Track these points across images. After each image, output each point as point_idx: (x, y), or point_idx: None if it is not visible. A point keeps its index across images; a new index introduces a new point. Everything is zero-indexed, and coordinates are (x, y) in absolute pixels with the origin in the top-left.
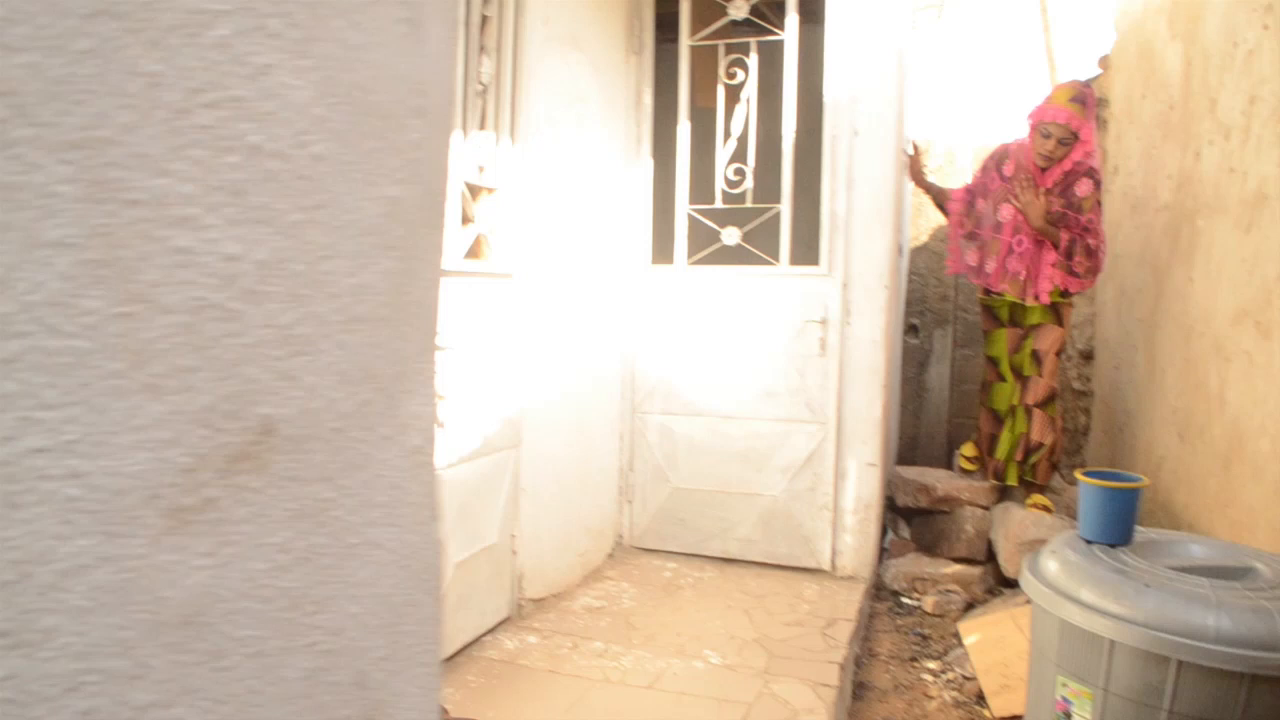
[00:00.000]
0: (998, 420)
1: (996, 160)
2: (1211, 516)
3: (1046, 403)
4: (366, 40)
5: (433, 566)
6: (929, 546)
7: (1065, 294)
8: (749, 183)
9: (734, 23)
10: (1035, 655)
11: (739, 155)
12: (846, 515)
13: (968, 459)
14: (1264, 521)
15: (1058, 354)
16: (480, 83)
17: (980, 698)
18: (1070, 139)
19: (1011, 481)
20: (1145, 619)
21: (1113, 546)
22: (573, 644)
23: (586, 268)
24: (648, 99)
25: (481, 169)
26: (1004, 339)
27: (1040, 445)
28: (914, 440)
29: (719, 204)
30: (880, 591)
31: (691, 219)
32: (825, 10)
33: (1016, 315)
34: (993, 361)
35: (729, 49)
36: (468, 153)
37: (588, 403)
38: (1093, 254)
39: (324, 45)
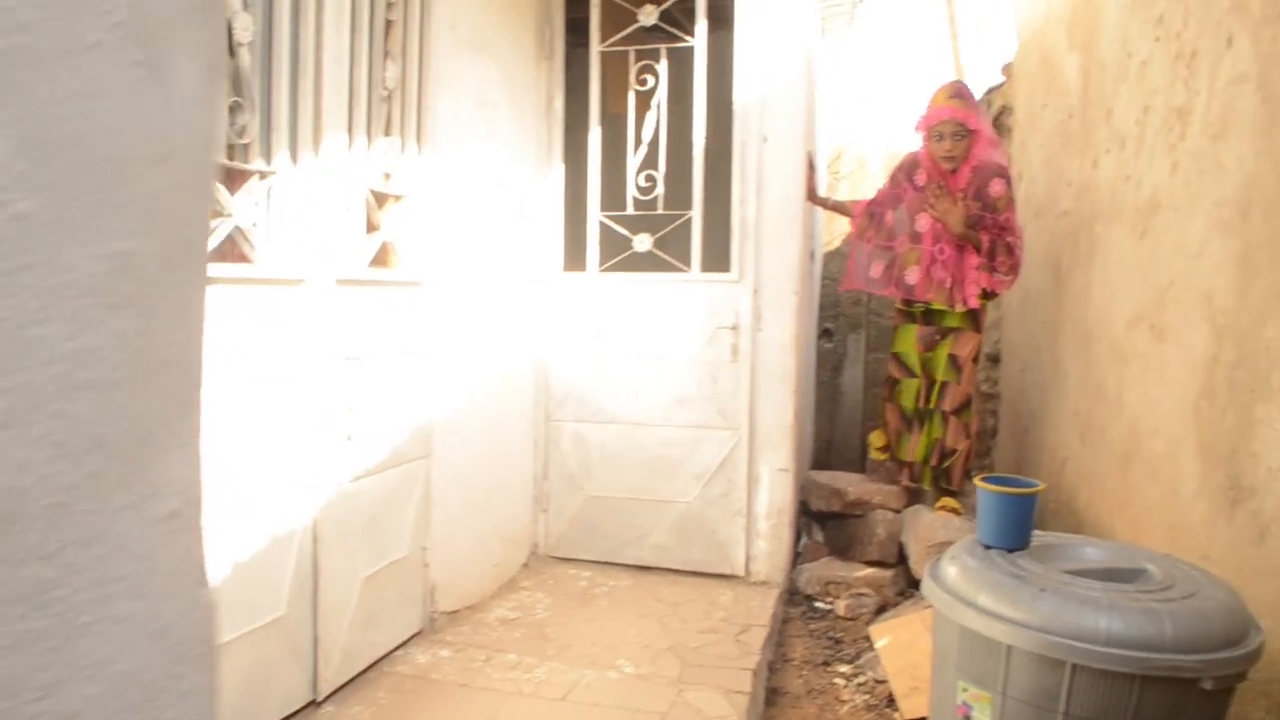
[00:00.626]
0: (904, 418)
1: (907, 171)
2: (1112, 516)
3: (962, 409)
4: (85, 88)
5: (198, 636)
6: (842, 550)
7: (989, 295)
8: (660, 189)
9: (644, 29)
10: (937, 660)
11: (650, 162)
12: (760, 521)
13: (879, 449)
14: (1160, 521)
15: (974, 360)
16: (385, 88)
17: (891, 700)
18: (963, 131)
19: (926, 485)
20: (1040, 623)
21: (1010, 551)
22: (486, 657)
23: (498, 275)
24: (559, 105)
25: (387, 176)
26: (913, 335)
27: (954, 451)
28: (829, 443)
29: (630, 210)
30: (794, 596)
31: (603, 225)
32: (734, 17)
33: (931, 315)
34: (898, 358)
35: (639, 55)
36: (373, 159)
37: (500, 411)
38: (1013, 252)
39: (24, 96)
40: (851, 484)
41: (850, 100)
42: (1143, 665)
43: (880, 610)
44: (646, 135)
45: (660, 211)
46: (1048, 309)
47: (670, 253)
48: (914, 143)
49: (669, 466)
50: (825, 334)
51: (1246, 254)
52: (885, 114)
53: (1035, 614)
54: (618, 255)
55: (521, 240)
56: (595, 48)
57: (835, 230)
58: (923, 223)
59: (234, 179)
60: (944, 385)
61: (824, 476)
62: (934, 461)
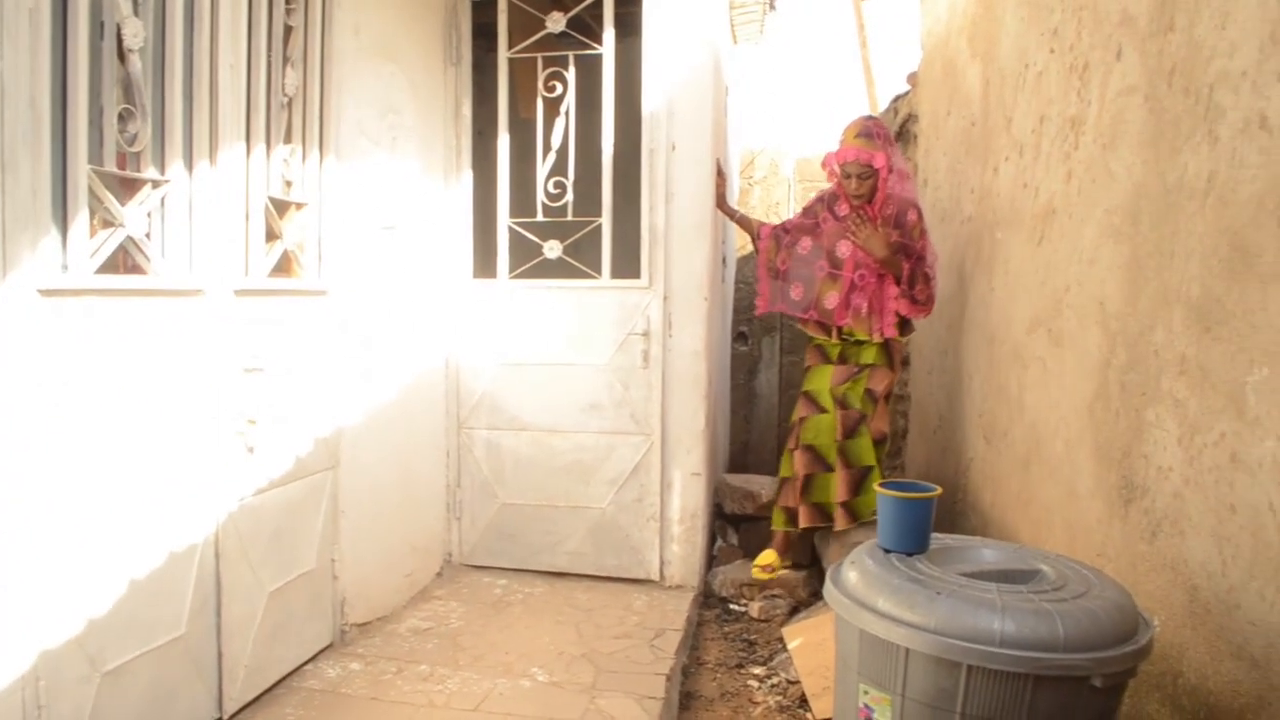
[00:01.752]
0: (817, 458)
1: (826, 202)
2: (1015, 516)
3: (880, 444)
4: None
5: None
6: (756, 552)
7: (907, 327)
8: (570, 196)
9: (552, 35)
10: (839, 663)
11: (559, 168)
12: (673, 525)
13: (761, 567)
14: (1059, 520)
15: (887, 399)
16: (285, 95)
17: (803, 701)
18: (868, 172)
19: (840, 525)
20: (936, 626)
21: (910, 555)
22: (397, 668)
23: (407, 283)
24: (467, 111)
25: (289, 184)
26: (828, 375)
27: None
28: (745, 445)
29: (540, 217)
30: (709, 599)
31: (513, 232)
32: (642, 25)
33: (848, 353)
34: (809, 396)
35: (548, 62)
36: (273, 167)
37: (410, 420)
38: (929, 282)
39: None
40: (764, 486)
41: (763, 107)
42: (1035, 665)
43: (794, 611)
44: (556, 142)
45: (570, 218)
46: (953, 313)
47: (581, 260)
48: (827, 146)
49: (583, 473)
50: (740, 338)
51: (1136, 260)
52: (798, 120)
53: (931, 617)
54: (528, 262)
55: (430, 247)
56: (504, 54)
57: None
58: (844, 249)
59: (125, 188)
60: (863, 416)
61: (738, 479)
62: (847, 496)
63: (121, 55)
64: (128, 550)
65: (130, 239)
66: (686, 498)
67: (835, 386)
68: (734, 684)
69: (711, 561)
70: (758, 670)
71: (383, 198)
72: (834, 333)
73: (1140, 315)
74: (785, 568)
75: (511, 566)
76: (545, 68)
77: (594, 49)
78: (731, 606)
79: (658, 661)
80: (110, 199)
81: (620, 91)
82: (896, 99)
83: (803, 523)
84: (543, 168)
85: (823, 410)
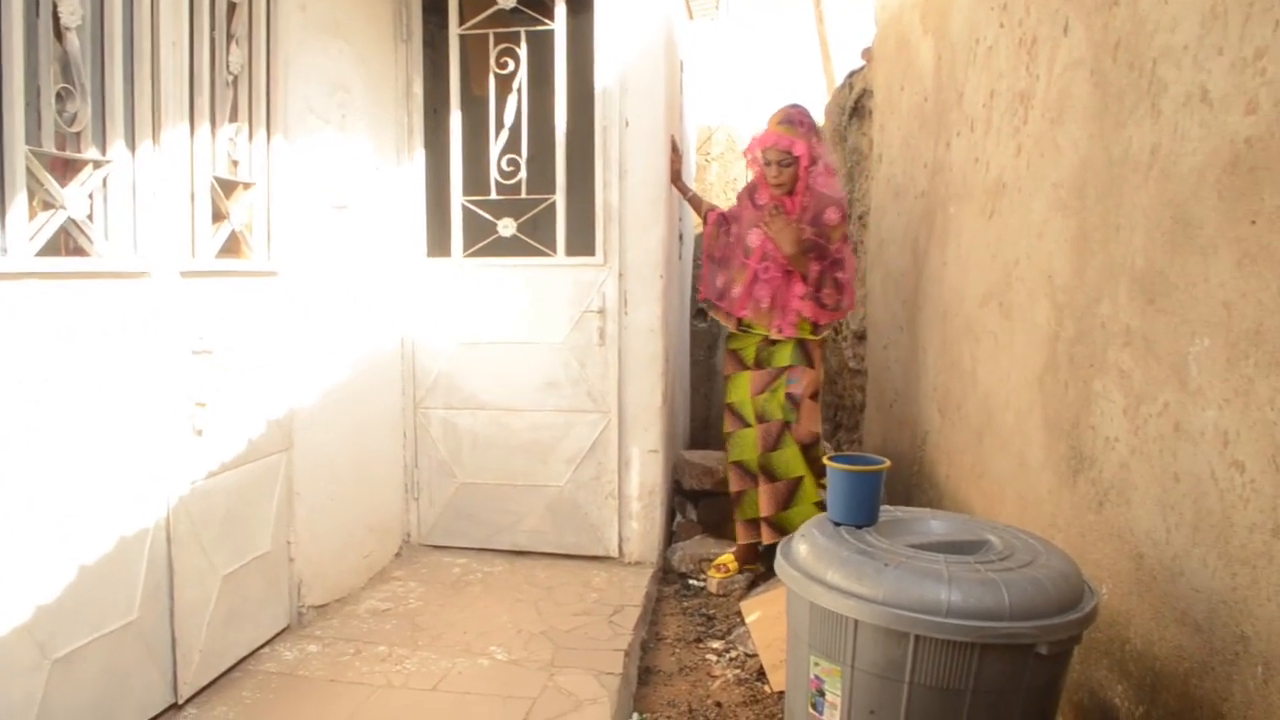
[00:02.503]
0: (746, 474)
1: (749, 190)
2: (969, 487)
3: (811, 446)
4: None
5: None
6: (715, 528)
7: (815, 329)
8: (523, 173)
9: (504, 11)
10: (791, 636)
11: (512, 146)
12: (632, 502)
13: (716, 566)
14: (1011, 491)
15: (813, 397)
16: (230, 72)
17: (761, 674)
18: (788, 159)
19: (765, 539)
20: (885, 597)
21: (859, 527)
22: (355, 650)
23: (360, 262)
24: (418, 88)
25: (235, 163)
26: (747, 382)
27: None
28: (705, 421)
29: (494, 195)
30: (668, 575)
31: (467, 210)
32: (594, 1)
33: (763, 357)
34: (733, 409)
35: (499, 38)
36: (218, 147)
37: (366, 400)
38: (841, 288)
39: None
40: (722, 462)
41: (720, 83)
42: (981, 634)
43: (752, 586)
44: (509, 119)
45: (524, 196)
46: (908, 287)
47: (535, 237)
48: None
49: (541, 451)
50: (699, 314)
51: (1082, 234)
52: (755, 96)
53: (880, 588)
54: (482, 240)
55: (383, 226)
56: (454, 30)
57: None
58: (754, 239)
59: (65, 169)
60: (786, 425)
61: (696, 455)
62: (770, 511)
63: (59, 33)
64: (76, 536)
65: (72, 221)
66: (645, 475)
67: (755, 397)
68: (692, 658)
69: (671, 537)
70: (716, 644)
71: (333, 176)
72: (735, 323)
73: (1087, 288)
74: (741, 572)
75: (471, 546)
76: (497, 44)
77: (546, 24)
78: (690, 582)
79: (616, 638)
80: (50, 180)
81: (573, 68)
82: (851, 74)
83: (739, 539)
84: (496, 145)
85: (747, 424)
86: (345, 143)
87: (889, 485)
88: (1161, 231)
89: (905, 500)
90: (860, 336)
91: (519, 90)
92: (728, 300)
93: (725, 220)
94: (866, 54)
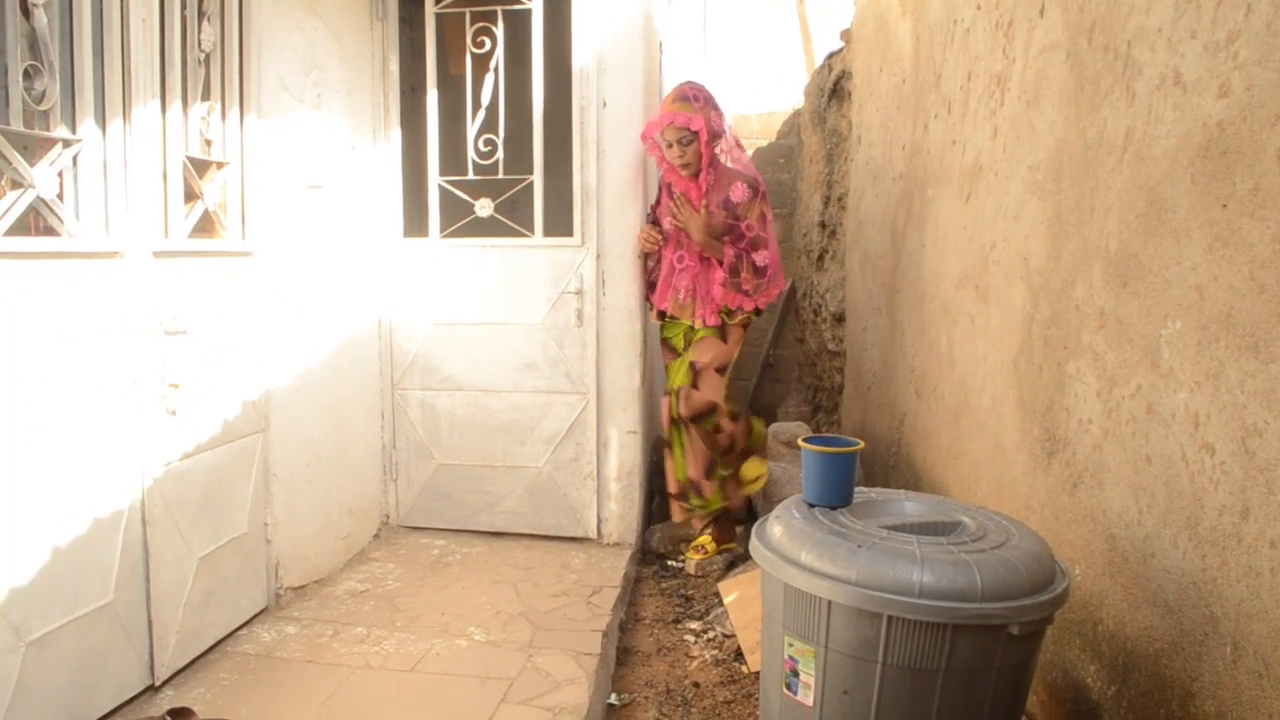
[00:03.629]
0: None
1: (666, 183)
2: (945, 469)
3: (703, 416)
4: None
5: None
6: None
7: (731, 313)
8: (500, 154)
9: None
10: (765, 617)
11: (489, 126)
12: (610, 483)
13: (696, 547)
14: (987, 473)
15: (720, 370)
16: (201, 50)
17: (739, 654)
18: (688, 136)
19: (708, 504)
20: (858, 578)
21: (834, 509)
22: (333, 631)
23: (336, 242)
24: (394, 67)
25: (209, 142)
26: (682, 369)
27: (701, 479)
28: None
29: (471, 175)
30: (646, 556)
31: (443, 190)
32: None
33: (691, 341)
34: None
35: (475, 17)
36: (191, 125)
37: (343, 381)
38: (761, 271)
39: None
40: None
41: (699, 64)
42: (953, 615)
43: (730, 567)
44: (486, 99)
45: (501, 176)
46: (886, 269)
47: (513, 218)
48: (764, 103)
49: (519, 432)
50: None
51: (1058, 216)
52: (735, 77)
53: (853, 569)
54: (459, 221)
55: (360, 207)
56: (430, 8)
57: None
58: (668, 227)
59: (34, 148)
60: (679, 391)
61: None
62: (694, 475)
63: (26, 10)
64: (50, 518)
65: (41, 200)
66: (623, 456)
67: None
68: (670, 639)
69: (650, 518)
70: (694, 625)
71: (309, 156)
72: (657, 314)
73: (1062, 270)
74: (719, 553)
75: (449, 527)
76: (474, 23)
77: (523, 4)
78: (669, 562)
79: (595, 619)
80: (18, 159)
81: (550, 48)
82: (830, 55)
83: (675, 516)
84: (473, 125)
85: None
86: (320, 122)
87: (867, 466)
88: (1135, 215)
89: (883, 481)
90: (839, 318)
91: (496, 70)
92: (654, 294)
93: (653, 212)
94: (845, 35)
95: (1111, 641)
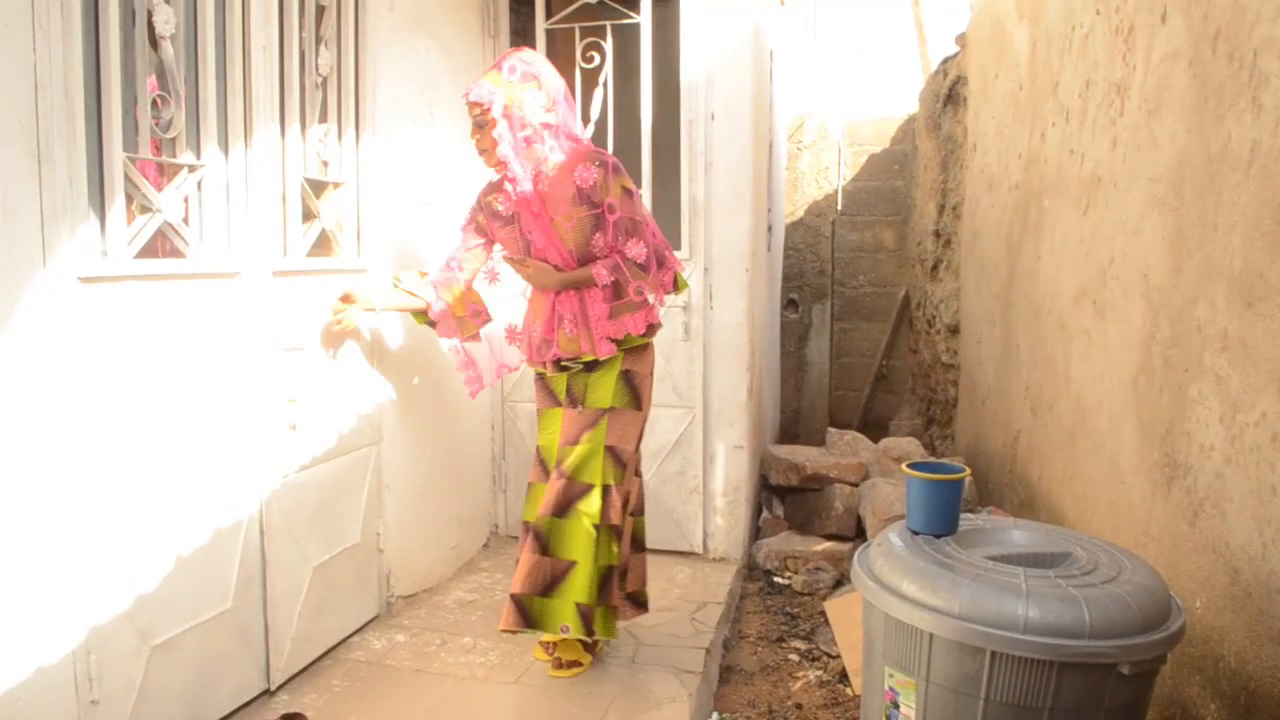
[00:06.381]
0: (537, 539)
1: (486, 201)
2: (1060, 490)
3: (620, 518)
4: None
5: None
6: (801, 524)
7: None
8: None
9: (589, 5)
10: (866, 645)
11: (598, 139)
12: (716, 498)
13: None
14: (1103, 496)
15: (638, 447)
16: (319, 74)
17: (843, 676)
18: (481, 115)
19: (503, 623)
20: (960, 612)
21: (938, 537)
22: (441, 640)
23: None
24: None
25: (325, 163)
26: (558, 423)
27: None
28: (796, 413)
29: None
30: (752, 571)
31: None
32: None
33: (575, 386)
34: (539, 454)
35: (585, 32)
36: (308, 147)
37: (454, 393)
38: (644, 267)
39: None
40: (810, 458)
41: (812, 69)
42: (1060, 652)
43: (838, 584)
44: (594, 113)
45: None
46: (1001, 281)
47: None
48: (878, 108)
49: None
50: (790, 304)
51: (1179, 232)
52: (849, 82)
53: (956, 602)
54: None
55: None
56: (541, 24)
57: (798, 200)
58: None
59: (161, 174)
60: (590, 488)
61: (783, 450)
62: (520, 589)
63: (153, 42)
64: (174, 528)
65: (168, 224)
66: (730, 470)
67: (566, 445)
68: (774, 658)
69: (756, 533)
70: (799, 644)
71: (421, 174)
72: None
73: (1183, 288)
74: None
75: None
76: (583, 38)
77: (631, 18)
78: (775, 579)
79: (698, 635)
80: (146, 185)
81: (658, 61)
82: (946, 60)
83: (502, 624)
84: (583, 139)
85: (546, 474)
86: (433, 140)
87: (980, 484)
88: (1261, 232)
89: (997, 501)
90: (954, 330)
91: (604, 84)
92: (522, 341)
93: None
94: (961, 40)
95: (1233, 680)
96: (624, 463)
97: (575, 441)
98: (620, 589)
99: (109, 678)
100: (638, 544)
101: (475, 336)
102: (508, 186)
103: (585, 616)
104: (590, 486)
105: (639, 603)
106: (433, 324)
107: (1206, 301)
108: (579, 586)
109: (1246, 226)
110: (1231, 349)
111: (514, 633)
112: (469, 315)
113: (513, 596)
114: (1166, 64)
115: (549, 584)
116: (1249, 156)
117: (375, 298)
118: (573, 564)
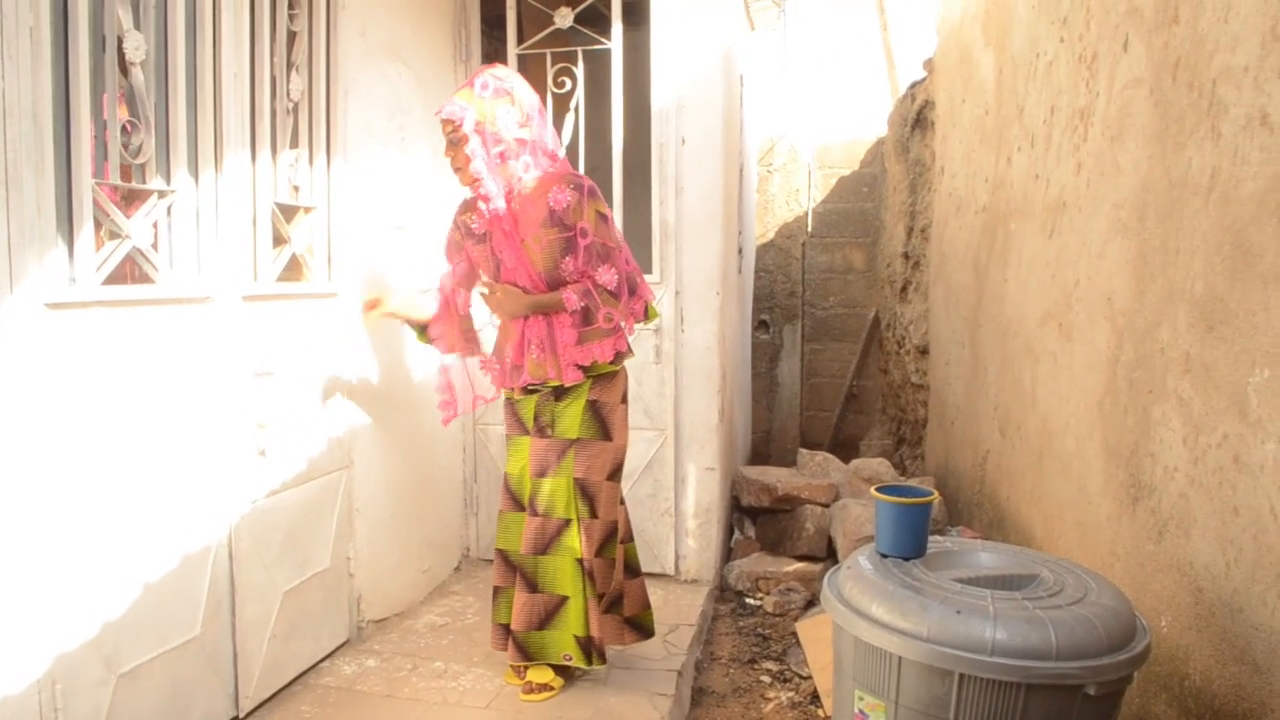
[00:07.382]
0: (509, 566)
1: (462, 220)
2: (1029, 510)
3: (605, 545)
4: None
5: None
6: (773, 545)
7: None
8: None
9: (561, 31)
10: (836, 667)
11: (570, 164)
12: (688, 519)
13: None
14: (1070, 517)
15: (613, 475)
16: (290, 100)
17: (815, 697)
18: (453, 131)
19: (511, 658)
20: (929, 634)
21: (906, 560)
22: (413, 665)
23: (418, 282)
24: None
25: (296, 188)
26: (525, 452)
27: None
28: (768, 434)
29: None
30: (724, 593)
31: None
32: (650, 19)
33: (543, 414)
34: (507, 482)
35: (556, 57)
36: (280, 172)
37: (425, 417)
38: (617, 293)
39: None
40: (781, 479)
41: (782, 93)
42: (1027, 674)
43: (809, 605)
44: (566, 138)
45: None
46: (969, 303)
47: None
48: (847, 132)
49: None
50: (761, 326)
51: (1142, 256)
52: (818, 105)
53: (924, 624)
54: None
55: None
56: (513, 50)
57: (769, 222)
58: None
59: (130, 199)
60: (567, 523)
61: (754, 472)
62: (520, 626)
63: (123, 68)
64: (142, 554)
65: (137, 249)
66: (701, 492)
67: (535, 477)
68: (746, 679)
69: (728, 555)
70: (771, 666)
71: (392, 198)
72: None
73: (1147, 312)
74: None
75: None
76: (554, 63)
77: (603, 43)
78: (747, 600)
79: (670, 657)
80: (115, 211)
81: (629, 86)
82: (914, 85)
83: (492, 643)
84: (559, 154)
85: (520, 507)
86: (404, 164)
87: (950, 504)
88: (1222, 257)
89: (966, 520)
90: (923, 351)
91: (576, 109)
92: (493, 366)
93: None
94: (928, 65)
95: (1198, 698)
96: (591, 495)
97: (543, 474)
98: (616, 614)
99: (74, 707)
100: (632, 570)
101: (475, 351)
102: (480, 205)
103: (584, 648)
104: (567, 521)
105: (639, 627)
106: (431, 341)
107: (1169, 325)
108: (575, 620)
109: (1208, 251)
110: (1194, 371)
111: (519, 668)
112: (466, 334)
113: (511, 633)
114: (1129, 91)
115: (544, 619)
116: (1209, 183)
117: (391, 299)
118: (565, 599)
